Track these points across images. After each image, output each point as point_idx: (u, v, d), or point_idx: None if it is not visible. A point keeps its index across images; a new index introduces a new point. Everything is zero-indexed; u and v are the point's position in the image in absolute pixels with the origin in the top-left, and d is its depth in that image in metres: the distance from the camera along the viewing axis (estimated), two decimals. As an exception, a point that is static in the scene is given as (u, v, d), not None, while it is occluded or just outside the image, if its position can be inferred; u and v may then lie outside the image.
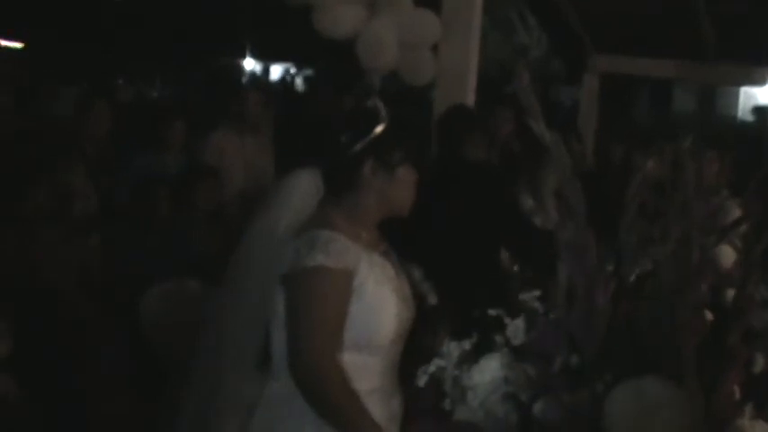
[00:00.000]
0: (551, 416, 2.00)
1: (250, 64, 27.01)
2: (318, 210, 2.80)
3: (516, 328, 2.16)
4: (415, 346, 2.77)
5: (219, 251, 3.64)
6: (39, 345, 4.01)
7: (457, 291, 3.52)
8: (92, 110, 6.32)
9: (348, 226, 2.78)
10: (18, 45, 16.30)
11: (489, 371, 2.11)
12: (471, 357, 2.18)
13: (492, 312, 2.23)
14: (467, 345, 2.20)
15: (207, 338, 2.95)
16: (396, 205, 2.89)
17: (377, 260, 2.82)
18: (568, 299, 2.10)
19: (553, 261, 2.14)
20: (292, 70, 27.25)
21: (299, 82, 25.99)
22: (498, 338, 2.18)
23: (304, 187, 2.84)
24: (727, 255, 2.97)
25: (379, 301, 2.75)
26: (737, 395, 2.09)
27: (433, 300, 3.54)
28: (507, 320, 2.20)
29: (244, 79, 24.04)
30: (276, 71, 27.84)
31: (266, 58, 27.06)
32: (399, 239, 3.03)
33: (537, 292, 2.21)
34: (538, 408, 2.03)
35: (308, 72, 25.57)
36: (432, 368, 2.21)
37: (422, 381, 2.21)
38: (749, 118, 18.19)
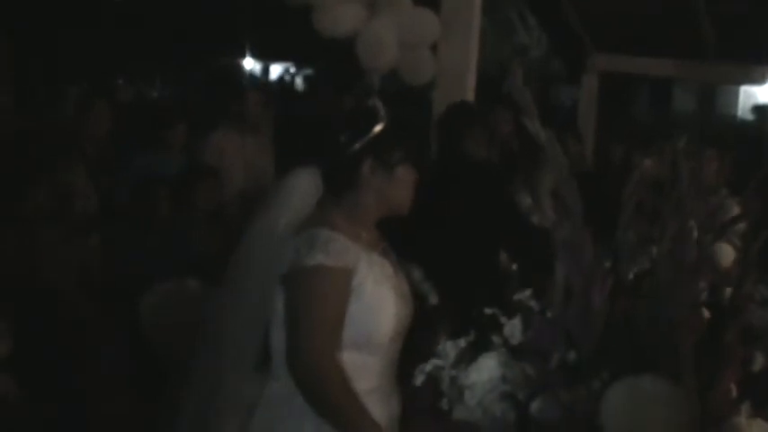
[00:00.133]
0: (549, 414, 2.01)
1: (250, 64, 27.01)
2: (318, 209, 2.81)
3: (513, 327, 2.17)
4: (413, 346, 2.77)
5: (219, 251, 3.65)
6: (39, 345, 4.02)
7: (456, 290, 3.52)
8: (92, 110, 6.32)
9: (347, 225, 2.79)
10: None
11: (487, 370, 2.12)
12: (469, 356, 2.18)
13: (488, 311, 2.23)
14: (463, 344, 2.20)
15: (207, 338, 2.95)
16: (395, 204, 2.90)
17: (376, 259, 2.82)
18: (565, 297, 2.10)
19: (551, 260, 2.15)
20: (292, 70, 27.26)
21: (298, 81, 26.01)
22: (495, 338, 2.19)
23: (303, 187, 2.84)
24: (727, 254, 2.97)
25: (378, 301, 2.76)
26: (735, 393, 2.10)
27: (434, 300, 3.54)
28: (504, 320, 2.20)
29: (244, 79, 24.03)
30: (276, 71, 27.84)
31: (266, 57, 27.07)
32: (399, 239, 3.04)
33: (531, 291, 2.21)
34: (535, 406, 2.03)
35: (308, 71, 25.58)
36: (429, 367, 2.20)
37: (419, 380, 2.21)
38: (749, 117, 18.18)
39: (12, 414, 3.73)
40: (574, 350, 2.06)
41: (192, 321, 3.39)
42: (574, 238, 2.07)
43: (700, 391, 1.97)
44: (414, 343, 2.78)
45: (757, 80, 10.48)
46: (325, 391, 2.67)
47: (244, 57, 26.54)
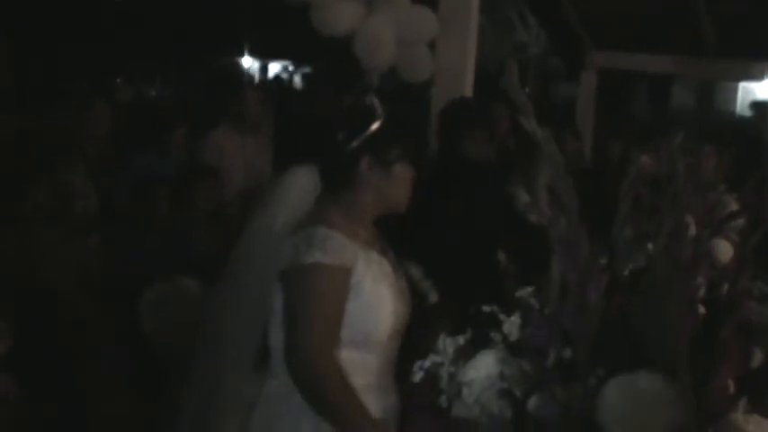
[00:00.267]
0: (546, 411, 2.01)
1: (249, 63, 27.02)
2: (316, 207, 2.82)
3: (512, 325, 2.17)
4: (411, 343, 2.77)
5: (219, 251, 3.65)
6: (39, 345, 4.02)
7: (455, 288, 3.53)
8: (92, 110, 6.32)
9: (345, 223, 2.80)
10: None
11: (484, 366, 2.12)
12: (467, 353, 2.19)
13: (487, 309, 2.23)
14: (461, 341, 2.21)
15: (207, 338, 2.96)
16: (392, 202, 2.90)
17: (374, 257, 2.83)
18: (562, 294, 2.11)
19: (548, 258, 2.15)
20: (290, 68, 27.27)
21: (296, 80, 26.01)
22: (494, 335, 2.19)
23: (301, 184, 2.85)
24: (725, 250, 2.98)
25: (376, 299, 2.76)
26: (732, 389, 2.10)
27: (434, 298, 3.54)
28: (503, 317, 2.21)
29: (243, 79, 24.04)
30: (275, 70, 27.86)
31: (266, 57, 27.08)
32: (397, 237, 3.05)
33: (531, 288, 2.21)
34: (532, 403, 2.04)
35: (306, 70, 25.59)
36: (427, 364, 2.21)
37: (417, 377, 2.21)
38: (748, 114, 18.18)
39: (12, 414, 3.73)
40: (570, 347, 2.06)
41: (192, 321, 3.40)
42: (570, 235, 2.07)
43: (696, 388, 1.98)
44: (413, 341, 2.78)
45: (756, 77, 10.48)
46: (323, 388, 2.68)
47: (243, 56, 26.56)
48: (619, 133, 8.04)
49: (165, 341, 4.29)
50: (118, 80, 17.20)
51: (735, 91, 20.23)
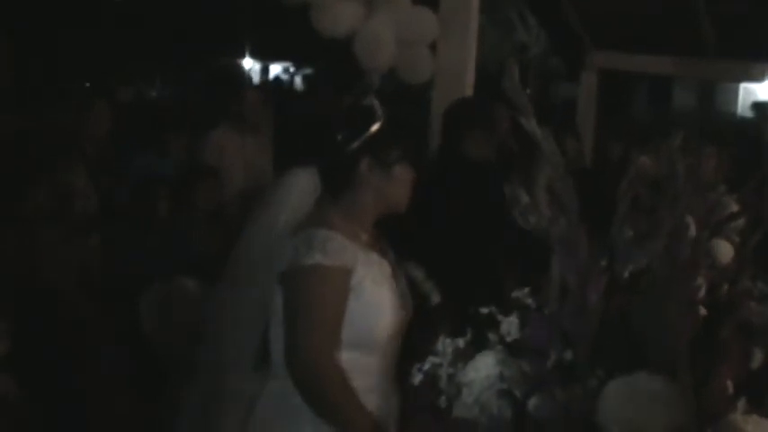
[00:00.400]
0: (545, 412, 2.01)
1: (249, 64, 27.03)
2: (316, 208, 2.82)
3: (510, 325, 2.17)
4: (412, 345, 2.77)
5: (219, 251, 3.65)
6: (39, 345, 4.02)
7: (455, 289, 3.53)
8: (92, 110, 6.33)
9: (345, 225, 2.80)
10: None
11: (484, 367, 2.12)
12: (466, 354, 2.19)
13: (485, 310, 2.23)
14: (460, 342, 2.21)
15: (207, 338, 2.96)
16: (392, 203, 2.90)
17: (374, 259, 2.83)
18: (561, 294, 2.11)
19: (545, 261, 2.16)
20: (291, 69, 27.28)
21: (297, 81, 26.02)
22: (492, 335, 2.19)
23: (301, 185, 2.85)
24: (726, 251, 2.98)
25: (376, 300, 2.76)
26: (731, 390, 2.10)
27: (436, 299, 3.54)
28: (501, 318, 2.21)
29: (243, 79, 24.05)
30: (276, 71, 27.87)
31: (266, 57, 27.09)
32: (398, 238, 3.05)
33: (528, 289, 2.21)
34: (532, 404, 2.04)
35: (306, 71, 25.59)
36: (426, 365, 2.21)
37: (416, 378, 2.21)
38: (749, 114, 18.18)
39: (12, 414, 3.73)
40: (570, 348, 2.06)
41: (192, 321, 3.40)
42: (569, 236, 2.07)
43: (696, 388, 1.98)
44: (414, 342, 2.78)
45: (757, 77, 10.47)
46: (323, 389, 2.68)
47: (243, 57, 26.56)
48: (619, 134, 8.04)
49: (165, 341, 4.28)
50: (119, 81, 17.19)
51: (736, 92, 20.23)
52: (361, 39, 6.32)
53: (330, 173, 2.84)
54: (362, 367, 2.77)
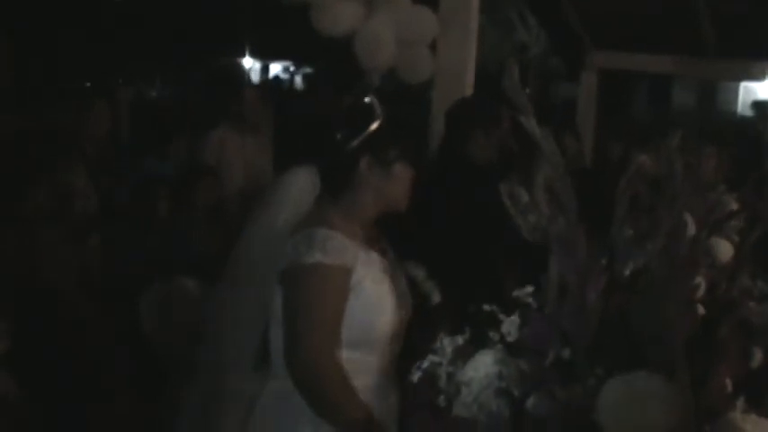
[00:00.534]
0: (544, 411, 2.02)
1: (249, 63, 27.03)
2: (315, 208, 2.82)
3: (511, 324, 2.17)
4: (412, 344, 2.78)
5: (219, 251, 3.66)
6: (39, 345, 4.02)
7: (457, 289, 3.53)
8: (92, 110, 6.33)
9: (345, 224, 2.80)
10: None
11: (483, 366, 2.12)
12: (466, 353, 2.19)
13: (486, 308, 2.23)
14: (460, 340, 2.21)
15: (207, 338, 2.96)
16: (392, 202, 2.90)
17: (374, 258, 2.83)
18: (560, 293, 2.11)
19: (544, 260, 2.16)
20: (291, 69, 27.29)
21: (297, 80, 26.03)
22: (492, 334, 2.19)
23: (301, 185, 2.85)
24: (725, 250, 2.98)
25: (376, 299, 2.77)
26: (729, 389, 2.10)
27: (436, 299, 3.55)
28: (502, 317, 2.21)
29: (243, 79, 24.06)
30: (275, 70, 27.87)
31: (266, 57, 27.09)
32: (398, 237, 3.05)
33: (529, 288, 2.21)
34: (531, 403, 2.04)
35: (306, 70, 25.60)
36: (426, 364, 2.21)
37: (416, 377, 2.21)
38: (749, 114, 18.18)
39: (12, 414, 3.73)
40: (569, 347, 2.06)
41: (192, 321, 3.40)
42: (568, 235, 2.07)
43: (694, 387, 1.98)
44: (414, 341, 2.78)
45: (757, 76, 10.47)
46: (323, 389, 2.68)
47: (244, 56, 26.57)
48: (619, 134, 8.03)
49: (165, 341, 4.29)
50: (120, 81, 17.20)
51: (736, 91, 20.23)
52: (361, 38, 6.31)
53: (330, 172, 2.84)
54: (362, 366, 2.77)
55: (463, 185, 4.64)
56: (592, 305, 2.05)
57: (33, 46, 13.47)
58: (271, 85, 19.65)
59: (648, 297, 2.06)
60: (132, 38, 19.72)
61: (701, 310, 2.24)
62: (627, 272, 2.19)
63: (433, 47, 6.50)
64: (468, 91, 6.41)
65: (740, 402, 2.07)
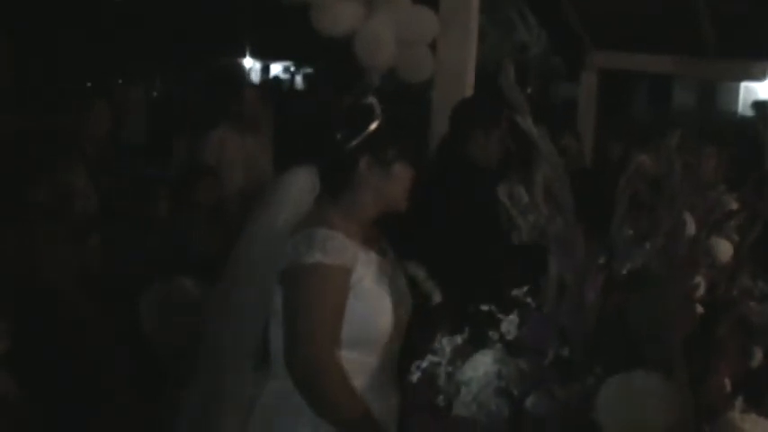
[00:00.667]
0: (543, 410, 2.02)
1: (250, 63, 27.04)
2: (315, 207, 2.82)
3: (510, 324, 2.18)
4: (412, 344, 2.78)
5: (219, 251, 3.66)
6: (39, 345, 4.02)
7: (457, 289, 3.53)
8: (92, 110, 6.33)
9: (345, 223, 2.80)
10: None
11: (483, 366, 2.12)
12: (465, 353, 2.19)
13: (485, 308, 2.23)
14: (459, 340, 2.21)
15: (207, 338, 2.96)
16: (392, 202, 2.90)
17: (374, 257, 2.83)
18: (559, 292, 2.11)
19: (544, 260, 2.16)
20: (291, 69, 27.30)
21: (298, 80, 26.04)
22: (492, 334, 2.19)
23: (301, 185, 2.85)
24: (725, 249, 2.98)
25: (375, 299, 2.77)
26: (728, 388, 2.11)
27: (437, 298, 3.55)
28: (501, 316, 2.21)
29: (243, 79, 24.06)
30: (276, 70, 27.88)
31: (266, 57, 27.10)
32: (398, 237, 3.05)
33: (528, 288, 2.22)
34: (530, 402, 2.04)
35: (307, 70, 25.60)
36: (425, 364, 2.21)
37: (415, 377, 2.21)
38: (750, 114, 18.17)
39: (12, 413, 3.73)
40: (568, 346, 2.07)
41: (192, 321, 3.40)
42: (566, 235, 2.07)
43: (693, 386, 1.98)
44: (415, 341, 2.78)
45: (757, 76, 10.46)
46: (323, 389, 2.68)
47: (244, 56, 26.57)
48: (619, 134, 8.03)
49: (165, 341, 4.29)
50: (119, 80, 17.20)
51: (737, 91, 20.22)
52: (361, 38, 6.31)
53: (329, 172, 2.84)
54: (362, 366, 2.77)
55: (463, 185, 4.64)
56: (590, 304, 2.05)
57: (33, 46, 13.46)
58: (271, 85, 19.66)
59: (647, 296, 2.06)
60: (132, 38, 19.71)
61: (699, 309, 2.24)
62: (625, 271, 2.19)
63: (433, 47, 6.50)
64: (469, 91, 6.41)
65: (739, 402, 2.07)
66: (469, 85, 6.48)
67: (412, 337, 2.89)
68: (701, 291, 2.44)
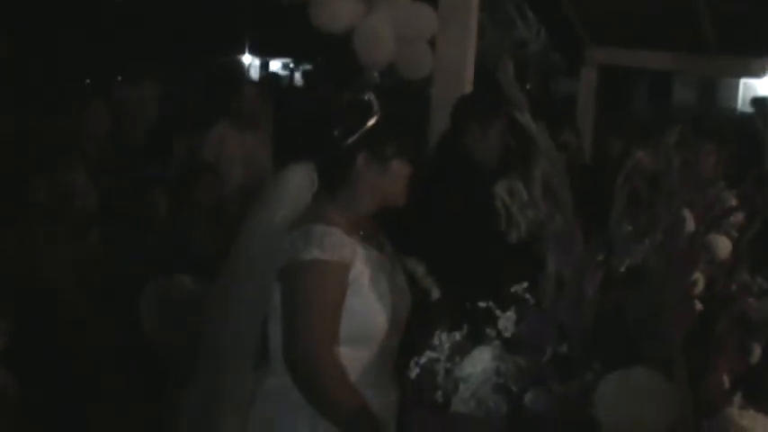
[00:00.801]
0: (542, 406, 2.02)
1: (249, 60, 27.04)
2: (313, 204, 2.82)
3: (508, 320, 2.17)
4: (411, 340, 2.77)
5: (219, 251, 3.66)
6: (38, 345, 4.02)
7: (456, 285, 3.53)
8: (91, 110, 6.33)
9: (343, 220, 2.80)
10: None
11: (481, 362, 2.12)
12: (464, 349, 2.19)
13: (483, 304, 2.23)
14: (457, 336, 2.21)
15: (207, 338, 2.96)
16: (389, 198, 2.91)
17: (372, 254, 2.83)
18: (557, 288, 2.11)
19: (543, 257, 2.16)
20: (291, 65, 27.29)
21: (297, 77, 26.03)
22: (490, 330, 2.19)
23: (299, 181, 2.85)
24: (724, 246, 2.98)
25: (374, 295, 2.77)
26: (727, 384, 2.11)
27: (436, 294, 3.55)
28: (499, 312, 2.21)
29: (243, 77, 24.04)
30: (275, 67, 27.87)
31: (265, 54, 27.10)
32: (396, 233, 3.05)
33: (526, 284, 2.21)
34: (529, 398, 2.04)
35: (306, 67, 25.59)
36: (423, 360, 2.21)
37: (413, 373, 2.21)
38: (749, 110, 18.16)
39: (10, 409, 3.73)
40: (566, 342, 2.07)
41: (192, 321, 3.40)
42: (565, 231, 2.07)
43: (692, 383, 1.98)
44: (413, 337, 2.78)
45: (756, 73, 10.46)
46: (322, 385, 2.68)
47: (243, 53, 26.58)
48: (619, 130, 8.01)
49: (165, 341, 4.29)
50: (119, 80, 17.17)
51: (736, 88, 20.21)
52: (360, 35, 6.31)
53: (327, 168, 2.84)
54: (361, 362, 2.77)
55: (463, 182, 4.64)
56: (589, 300, 2.05)
57: (33, 46, 13.45)
58: (270, 82, 19.65)
59: (646, 293, 2.06)
60: (132, 38, 19.70)
61: (698, 305, 2.24)
62: (623, 267, 2.19)
63: (432, 43, 6.49)
64: (468, 87, 6.41)
65: (738, 398, 2.07)
66: (468, 82, 6.48)
67: (410, 333, 2.89)
68: (700, 287, 2.44)
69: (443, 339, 2.20)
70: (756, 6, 7.68)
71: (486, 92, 5.73)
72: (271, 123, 7.20)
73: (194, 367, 2.96)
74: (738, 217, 2.95)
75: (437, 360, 2.19)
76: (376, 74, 6.69)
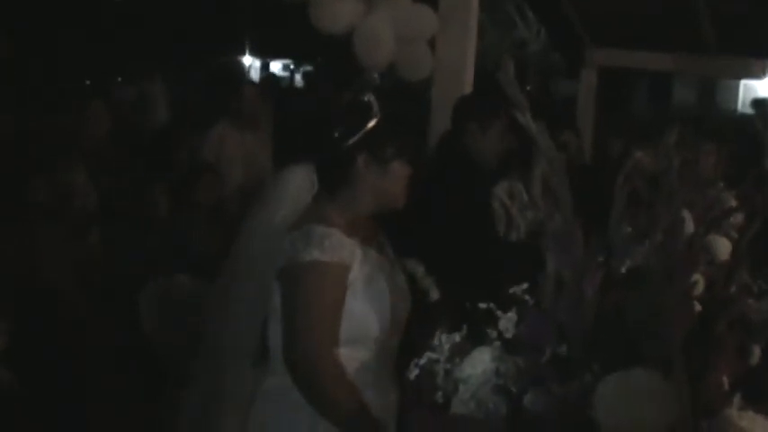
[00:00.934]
0: (541, 407, 2.02)
1: (249, 61, 27.05)
2: (313, 205, 2.82)
3: (508, 321, 2.18)
4: (411, 341, 2.78)
5: (219, 251, 3.66)
6: (38, 345, 4.02)
7: (456, 286, 3.54)
8: (91, 110, 6.33)
9: (343, 221, 2.80)
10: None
11: (481, 363, 2.12)
12: (464, 350, 2.19)
13: (483, 305, 2.23)
14: (457, 337, 2.21)
15: (207, 338, 2.97)
16: (389, 199, 2.91)
17: (372, 254, 2.84)
18: (557, 289, 2.11)
19: (542, 257, 2.16)
20: (291, 66, 27.31)
21: (297, 78, 26.04)
22: (490, 331, 2.19)
23: (298, 182, 2.85)
24: (724, 247, 2.98)
25: (374, 296, 2.77)
26: (726, 386, 2.11)
27: (435, 295, 3.55)
28: (499, 313, 2.21)
29: (243, 77, 24.05)
30: (275, 68, 27.88)
31: (266, 55, 27.11)
32: (398, 234, 3.05)
33: (526, 285, 2.21)
34: (528, 399, 2.04)
35: (306, 67, 25.59)
36: (423, 361, 2.21)
37: (413, 374, 2.21)
38: (749, 111, 18.17)
39: (10, 404, 3.73)
40: (566, 343, 2.07)
41: (192, 321, 3.40)
42: (564, 231, 2.07)
43: (691, 384, 1.98)
44: (413, 338, 2.79)
45: (757, 74, 10.46)
46: (322, 385, 2.68)
47: (243, 54, 26.59)
48: (619, 131, 8.02)
49: (165, 341, 4.29)
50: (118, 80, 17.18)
51: (736, 89, 20.24)
52: (360, 36, 6.31)
53: (327, 169, 2.85)
54: (360, 363, 2.77)
55: (463, 183, 4.64)
56: (588, 301, 2.05)
57: (33, 46, 13.45)
58: (270, 83, 19.65)
59: (646, 293, 2.06)
60: (132, 38, 19.70)
61: (697, 306, 2.24)
62: (623, 268, 2.19)
63: (432, 44, 6.49)
64: (468, 88, 6.41)
65: (737, 399, 2.07)
66: (468, 83, 6.47)
67: (410, 333, 2.89)
68: (700, 288, 2.43)
69: (443, 340, 2.20)
70: (756, 6, 7.67)
71: (486, 92, 5.74)
72: (271, 124, 7.21)
73: (194, 367, 2.97)
74: (738, 218, 2.95)
75: (437, 361, 2.19)
76: (376, 75, 6.68)
